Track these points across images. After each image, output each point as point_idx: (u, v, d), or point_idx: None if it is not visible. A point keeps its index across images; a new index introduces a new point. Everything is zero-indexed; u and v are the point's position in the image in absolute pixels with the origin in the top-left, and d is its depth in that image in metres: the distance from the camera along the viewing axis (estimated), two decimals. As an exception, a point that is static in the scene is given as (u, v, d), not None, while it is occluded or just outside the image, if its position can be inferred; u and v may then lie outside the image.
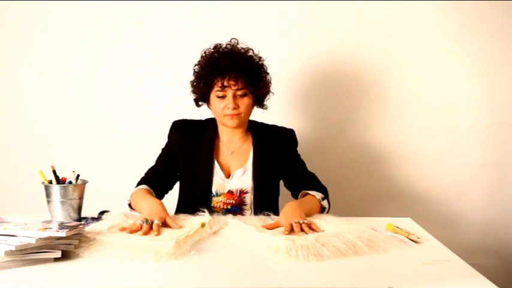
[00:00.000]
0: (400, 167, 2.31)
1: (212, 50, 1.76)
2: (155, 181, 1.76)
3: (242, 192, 1.76)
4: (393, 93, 2.29)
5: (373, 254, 1.29)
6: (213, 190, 1.75)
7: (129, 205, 1.70)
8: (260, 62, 1.78)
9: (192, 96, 1.82)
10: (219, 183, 1.76)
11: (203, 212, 1.59)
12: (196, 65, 1.79)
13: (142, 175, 1.80)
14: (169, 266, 1.20)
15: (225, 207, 1.76)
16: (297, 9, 2.23)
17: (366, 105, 2.30)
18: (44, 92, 2.30)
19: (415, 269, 1.21)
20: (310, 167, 1.86)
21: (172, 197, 1.82)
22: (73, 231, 1.25)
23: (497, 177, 2.30)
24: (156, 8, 2.25)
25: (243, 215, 1.75)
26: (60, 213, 1.56)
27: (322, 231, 1.45)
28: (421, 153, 2.30)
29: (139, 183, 1.75)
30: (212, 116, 1.83)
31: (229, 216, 1.62)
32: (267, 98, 1.82)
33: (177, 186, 1.85)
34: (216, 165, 1.77)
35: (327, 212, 1.69)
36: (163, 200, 1.70)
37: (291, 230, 1.43)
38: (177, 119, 1.83)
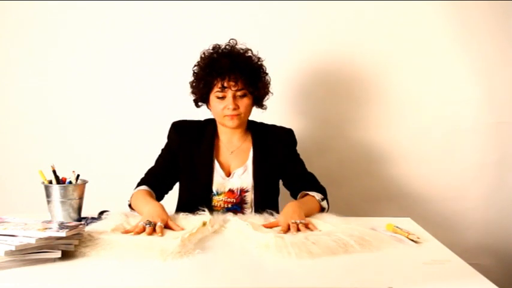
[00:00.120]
0: (400, 167, 2.31)
1: (211, 51, 1.77)
2: (155, 182, 1.76)
3: (243, 191, 1.77)
4: (393, 93, 2.29)
5: (365, 252, 1.30)
6: (214, 189, 1.76)
7: (129, 205, 1.70)
8: (259, 63, 1.79)
9: (192, 97, 1.82)
10: (220, 182, 1.76)
11: (203, 211, 1.60)
12: (195, 65, 1.79)
13: (142, 175, 1.79)
14: (170, 266, 1.20)
15: (226, 206, 1.76)
16: (297, 9, 2.23)
17: (366, 105, 2.30)
18: (44, 92, 2.30)
19: (415, 269, 1.21)
20: (310, 167, 1.86)
21: (172, 197, 1.82)
22: (73, 231, 1.25)
23: (497, 177, 2.30)
24: (156, 8, 2.25)
25: (243, 213, 1.75)
26: (60, 213, 1.56)
27: (320, 231, 1.45)
28: (421, 153, 2.30)
29: (139, 184, 1.75)
30: (211, 117, 1.84)
31: (230, 214, 1.63)
32: (266, 98, 1.82)
33: (176, 187, 1.85)
34: (216, 165, 1.78)
35: (326, 212, 1.69)
36: (163, 201, 1.71)
37: (288, 230, 1.44)
38: (176, 120, 1.83)
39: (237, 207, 1.76)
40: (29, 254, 1.17)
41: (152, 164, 1.83)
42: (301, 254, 1.25)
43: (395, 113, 2.30)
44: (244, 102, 1.73)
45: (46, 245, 1.20)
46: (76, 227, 1.28)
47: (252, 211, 1.76)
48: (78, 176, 1.61)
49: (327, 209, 1.71)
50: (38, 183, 1.59)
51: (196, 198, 1.72)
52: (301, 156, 1.88)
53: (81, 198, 1.60)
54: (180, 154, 1.79)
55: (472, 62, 2.25)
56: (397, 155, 2.31)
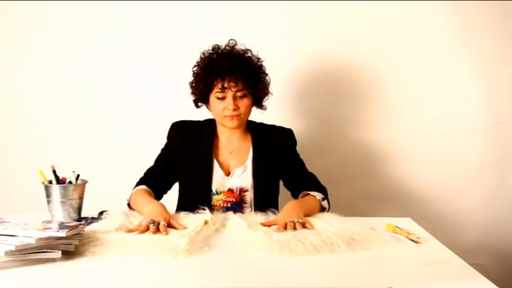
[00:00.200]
0: (400, 167, 2.31)
1: (211, 51, 1.77)
2: (154, 181, 1.76)
3: (242, 191, 1.77)
4: (393, 93, 2.29)
5: (352, 252, 1.30)
6: (213, 188, 1.76)
7: (128, 205, 1.70)
8: (259, 63, 1.79)
9: (192, 97, 1.82)
10: (219, 181, 1.76)
11: (203, 209, 1.60)
12: (195, 66, 1.79)
13: (141, 175, 1.80)
14: (169, 266, 1.20)
15: (225, 205, 1.76)
16: (297, 9, 2.23)
17: (366, 105, 2.30)
18: (44, 92, 2.30)
19: (415, 269, 1.21)
20: (310, 167, 1.86)
21: (172, 197, 1.82)
22: (73, 231, 1.25)
23: (497, 177, 2.30)
24: (156, 8, 2.25)
25: (242, 213, 1.75)
26: (60, 213, 1.56)
27: (316, 230, 1.46)
28: (421, 153, 2.30)
29: (138, 184, 1.76)
30: (211, 117, 1.84)
31: (230, 213, 1.65)
32: (266, 99, 1.82)
33: (175, 187, 1.85)
34: (216, 164, 1.78)
35: (327, 212, 1.69)
36: (162, 200, 1.71)
37: (284, 228, 1.45)
38: (175, 121, 1.83)
39: (236, 206, 1.76)
40: (29, 254, 1.17)
41: (152, 164, 1.83)
42: (282, 251, 1.26)
43: (395, 112, 2.30)
44: (244, 102, 1.73)
45: (46, 245, 1.20)
46: (76, 227, 1.28)
47: (251, 210, 1.76)
48: (78, 176, 1.61)
49: (327, 208, 1.71)
50: (38, 183, 1.59)
51: (196, 198, 1.72)
52: (301, 156, 1.88)
53: (81, 198, 1.60)
54: (180, 154, 1.79)
55: (472, 62, 2.25)
56: (397, 155, 2.31)
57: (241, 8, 2.23)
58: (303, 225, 1.47)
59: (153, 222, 1.44)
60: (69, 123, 2.31)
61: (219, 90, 1.71)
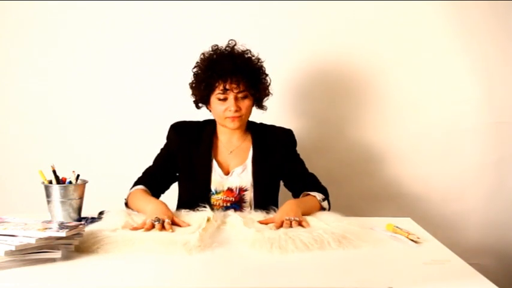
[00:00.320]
0: (399, 167, 2.31)
1: (211, 52, 1.76)
2: (152, 181, 1.76)
3: (242, 190, 1.77)
4: (393, 93, 2.29)
5: (340, 250, 1.31)
6: (212, 188, 1.76)
7: (125, 204, 1.70)
8: (259, 64, 1.79)
9: (192, 98, 1.82)
10: (218, 180, 1.77)
11: (204, 207, 1.62)
12: (195, 67, 1.79)
13: (140, 175, 1.80)
14: (170, 266, 1.20)
15: (225, 204, 1.76)
16: (297, 9, 2.23)
17: (366, 105, 2.30)
18: (44, 92, 2.30)
19: (415, 269, 1.21)
20: (310, 167, 1.86)
21: (172, 197, 1.82)
22: (73, 231, 1.25)
23: (497, 177, 2.30)
24: (156, 8, 2.25)
25: (242, 212, 1.75)
26: (60, 213, 1.56)
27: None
28: (421, 153, 2.30)
29: (136, 183, 1.76)
30: (210, 118, 1.84)
31: (231, 211, 1.66)
32: (266, 99, 1.82)
33: (175, 187, 1.84)
34: (214, 164, 1.78)
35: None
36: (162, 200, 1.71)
37: (280, 226, 1.46)
38: (175, 122, 1.83)
39: (236, 206, 1.77)
40: (29, 254, 1.17)
41: (151, 164, 1.83)
42: (272, 248, 1.28)
43: (395, 112, 2.29)
44: (245, 103, 1.74)
45: (46, 245, 1.20)
46: (76, 227, 1.28)
47: (251, 210, 1.76)
48: (78, 176, 1.61)
49: (327, 209, 1.71)
50: (38, 183, 1.59)
51: (196, 198, 1.71)
52: (301, 156, 1.88)
53: (81, 198, 1.60)
54: (179, 155, 1.79)
55: (472, 62, 2.25)
56: (397, 154, 2.31)
57: (241, 8, 2.23)
58: (299, 224, 1.47)
59: (158, 220, 1.45)
60: (69, 123, 2.31)
61: (221, 92, 1.71)
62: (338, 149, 2.31)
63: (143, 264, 1.21)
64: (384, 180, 2.31)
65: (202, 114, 1.87)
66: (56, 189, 1.55)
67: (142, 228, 1.43)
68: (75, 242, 1.26)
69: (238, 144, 1.83)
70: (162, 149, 1.84)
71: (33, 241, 1.17)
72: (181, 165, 1.79)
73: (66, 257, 1.22)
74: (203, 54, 1.78)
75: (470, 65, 2.25)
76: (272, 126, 1.87)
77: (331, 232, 1.38)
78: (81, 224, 1.31)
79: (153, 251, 1.27)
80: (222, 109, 1.72)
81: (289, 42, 2.25)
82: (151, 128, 2.24)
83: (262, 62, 1.79)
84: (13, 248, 1.15)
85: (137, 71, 2.28)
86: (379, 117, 2.30)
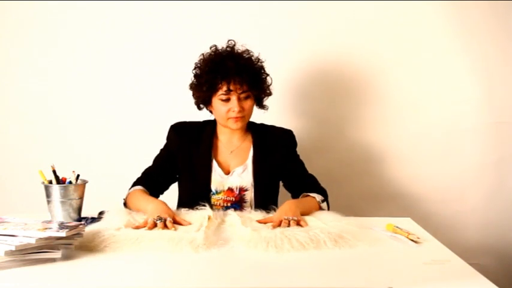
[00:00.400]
0: (399, 167, 2.31)
1: (212, 53, 1.76)
2: (151, 182, 1.77)
3: (242, 190, 1.77)
4: (393, 93, 2.29)
5: (336, 249, 1.31)
6: (212, 188, 1.76)
7: (124, 204, 1.71)
8: (260, 64, 1.79)
9: (193, 99, 1.82)
10: (218, 180, 1.77)
11: (203, 205, 1.62)
12: (196, 68, 1.79)
13: (139, 175, 1.80)
14: (168, 266, 1.20)
15: (225, 204, 1.76)
16: (297, 9, 2.23)
17: (366, 105, 2.30)
18: (44, 92, 2.30)
19: (415, 269, 1.21)
20: (310, 167, 1.86)
21: (171, 197, 1.82)
22: (73, 231, 1.25)
23: (497, 177, 2.30)
24: (156, 8, 2.25)
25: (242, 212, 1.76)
26: (60, 213, 1.56)
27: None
28: (421, 153, 2.30)
29: (135, 184, 1.76)
30: (210, 118, 1.84)
31: (231, 210, 1.67)
32: (266, 99, 1.83)
33: (174, 187, 1.84)
34: (214, 163, 1.78)
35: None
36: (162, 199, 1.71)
37: (278, 225, 1.46)
38: (175, 122, 1.83)
39: (236, 205, 1.77)
40: (29, 254, 1.17)
41: (151, 164, 1.83)
42: (268, 248, 1.28)
43: (395, 113, 2.29)
44: (248, 103, 1.74)
45: (46, 245, 1.20)
46: (76, 227, 1.28)
47: (251, 210, 1.76)
48: (78, 176, 1.61)
49: (326, 210, 1.71)
50: (38, 183, 1.59)
51: (196, 198, 1.71)
52: (301, 157, 1.88)
53: (81, 198, 1.60)
54: (179, 155, 1.79)
55: (472, 62, 2.25)
56: (397, 155, 2.31)
57: (241, 8, 2.23)
58: (298, 223, 1.48)
59: (160, 218, 1.46)
60: (69, 123, 2.31)
61: (224, 93, 1.70)
62: (338, 149, 2.31)
63: (143, 264, 1.21)
64: (384, 180, 2.31)
65: (202, 115, 1.87)
66: (56, 189, 1.55)
67: (145, 226, 1.43)
68: (75, 242, 1.26)
69: (238, 144, 1.83)
70: (161, 150, 1.84)
71: (33, 241, 1.17)
72: (182, 166, 1.79)
73: (66, 257, 1.22)
74: (203, 55, 1.78)
75: (470, 65, 2.25)
76: (272, 127, 1.87)
77: (327, 231, 1.38)
78: (81, 224, 1.31)
79: (159, 249, 1.27)
80: (225, 110, 1.72)
81: (289, 42, 2.25)
82: (151, 128, 2.24)
83: (262, 62, 1.79)
84: (13, 248, 1.15)
85: (137, 71, 2.28)
86: (379, 117, 2.30)
